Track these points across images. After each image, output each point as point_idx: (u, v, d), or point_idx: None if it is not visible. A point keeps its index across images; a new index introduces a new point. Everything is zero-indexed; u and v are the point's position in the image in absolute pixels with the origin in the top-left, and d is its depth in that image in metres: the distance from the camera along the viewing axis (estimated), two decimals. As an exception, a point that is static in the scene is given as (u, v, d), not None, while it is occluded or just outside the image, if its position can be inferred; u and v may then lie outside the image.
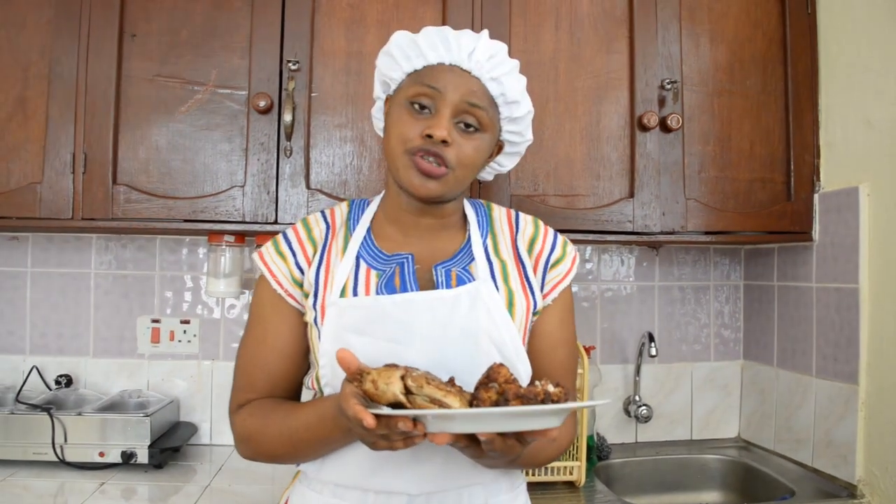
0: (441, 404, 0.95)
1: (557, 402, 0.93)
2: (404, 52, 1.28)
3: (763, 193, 2.11)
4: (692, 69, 2.07)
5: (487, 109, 1.26)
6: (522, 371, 1.23)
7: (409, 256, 1.29)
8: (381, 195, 1.42)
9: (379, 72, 1.36)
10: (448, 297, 1.21)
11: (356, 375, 1.00)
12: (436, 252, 1.32)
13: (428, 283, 1.25)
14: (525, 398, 0.92)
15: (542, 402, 0.92)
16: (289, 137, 1.87)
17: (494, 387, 0.96)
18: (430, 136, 1.20)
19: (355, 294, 1.23)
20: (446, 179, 1.24)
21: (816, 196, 2.13)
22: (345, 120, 1.91)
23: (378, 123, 1.45)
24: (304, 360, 1.35)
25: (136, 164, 1.90)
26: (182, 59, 1.91)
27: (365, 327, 1.20)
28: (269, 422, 1.26)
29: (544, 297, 1.33)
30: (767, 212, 2.10)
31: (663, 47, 2.04)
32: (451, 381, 1.03)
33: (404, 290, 1.23)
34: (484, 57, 1.25)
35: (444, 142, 1.20)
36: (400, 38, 1.30)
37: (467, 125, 1.24)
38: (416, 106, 1.23)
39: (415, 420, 0.96)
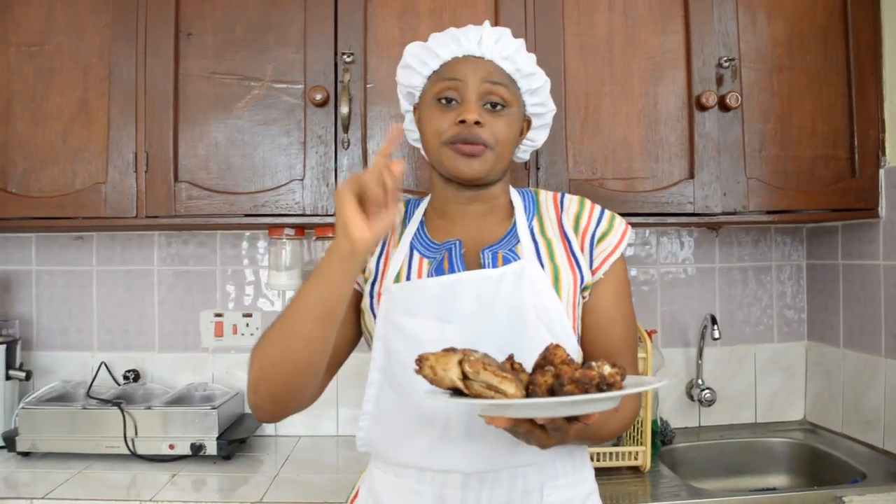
0: (497, 390, 0.96)
1: (612, 384, 0.94)
2: (419, 59, 1.37)
3: (826, 171, 2.06)
4: (750, 46, 2.03)
5: (508, 86, 1.33)
6: (569, 346, 1.23)
7: (458, 242, 1.33)
8: (430, 196, 1.47)
9: (401, 86, 1.45)
10: (493, 276, 1.25)
11: (416, 360, 1.02)
12: (484, 237, 1.35)
13: (476, 266, 1.30)
14: (580, 383, 0.93)
15: (598, 385, 0.93)
16: (346, 129, 1.88)
17: (550, 370, 0.97)
18: (462, 122, 1.27)
19: (408, 279, 1.30)
20: (486, 157, 1.29)
21: (882, 171, 2.08)
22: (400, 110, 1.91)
23: (411, 135, 1.52)
24: (348, 330, 1.35)
25: (197, 161, 1.93)
26: (238, 56, 1.93)
27: (414, 308, 1.25)
28: (266, 333, 1.22)
29: (594, 271, 1.33)
30: (831, 189, 2.05)
31: (720, 25, 2.00)
32: (511, 360, 1.05)
33: (452, 272, 1.28)
34: (492, 41, 1.33)
35: (477, 123, 1.27)
36: (412, 48, 1.40)
37: (493, 105, 1.31)
38: (444, 101, 1.31)
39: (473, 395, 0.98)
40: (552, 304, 1.25)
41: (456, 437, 1.22)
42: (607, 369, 0.95)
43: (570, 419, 0.98)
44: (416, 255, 1.33)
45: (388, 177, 1.07)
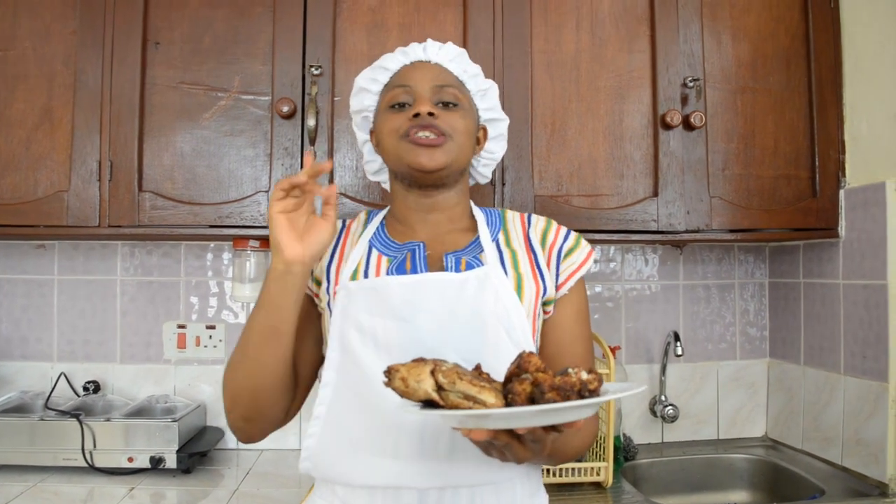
0: (476, 400, 0.92)
1: (593, 389, 0.91)
2: (369, 78, 1.41)
3: (788, 190, 2.09)
4: (714, 66, 2.06)
5: (457, 86, 1.37)
6: None
7: (421, 244, 1.33)
8: (389, 207, 1.47)
9: (355, 113, 1.47)
10: (456, 280, 1.23)
11: (385, 372, 0.99)
12: (446, 244, 1.35)
13: (438, 270, 1.28)
14: (561, 390, 0.90)
15: (579, 391, 0.90)
16: (312, 142, 1.87)
17: (528, 378, 0.93)
18: (416, 115, 1.29)
19: (366, 277, 1.28)
20: (448, 147, 1.30)
21: (842, 192, 2.11)
22: (367, 123, 1.92)
23: (373, 167, 1.53)
24: (311, 346, 1.37)
25: (162, 170, 1.91)
26: (205, 66, 1.92)
27: (374, 307, 1.23)
28: (231, 357, 1.27)
29: (560, 286, 1.33)
30: (793, 209, 2.08)
31: (685, 45, 2.03)
32: (479, 369, 1.01)
33: (414, 272, 1.27)
34: (436, 48, 1.39)
35: (430, 114, 1.29)
36: (362, 73, 1.44)
37: (445, 104, 1.34)
38: (396, 106, 1.34)
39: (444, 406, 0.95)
40: (514, 310, 1.24)
41: (407, 452, 1.18)
42: (585, 375, 0.92)
43: (548, 429, 0.95)
44: (375, 253, 1.33)
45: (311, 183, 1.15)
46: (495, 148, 1.50)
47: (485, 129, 1.46)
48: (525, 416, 0.90)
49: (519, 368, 0.97)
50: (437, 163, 1.29)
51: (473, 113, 1.40)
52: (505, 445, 0.97)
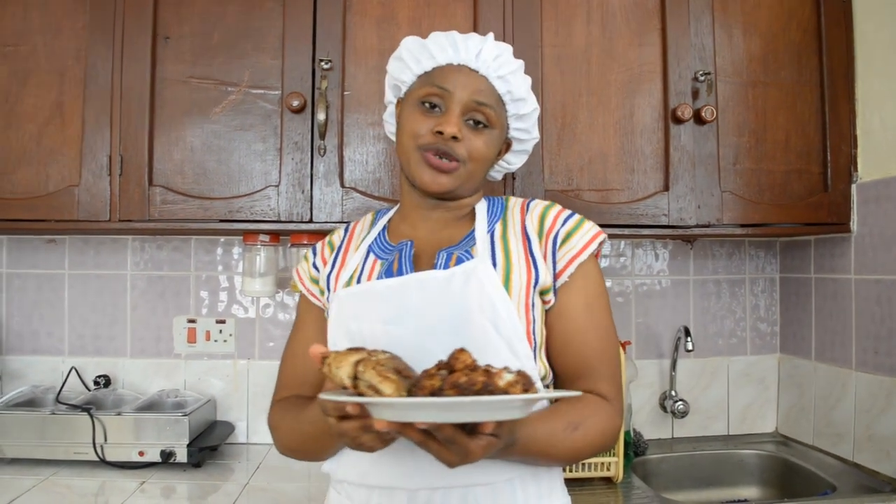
0: (377, 390, 0.91)
1: (499, 391, 0.87)
2: (414, 55, 1.34)
3: (799, 185, 2.08)
4: (726, 60, 2.05)
5: (495, 107, 1.31)
6: (520, 348, 1.19)
7: (409, 243, 1.32)
8: (397, 206, 1.47)
9: (390, 76, 1.42)
10: (441, 277, 1.21)
11: (320, 358, 1.01)
12: (442, 240, 1.33)
13: (428, 268, 1.26)
14: (460, 387, 0.87)
15: (479, 392, 0.86)
16: (322, 136, 1.87)
17: (442, 374, 0.92)
18: (440, 133, 1.25)
19: (359, 283, 1.29)
20: (458, 174, 1.28)
21: (854, 186, 2.10)
22: (378, 118, 1.91)
23: (389, 127, 1.51)
24: None
25: (172, 165, 1.91)
26: (215, 61, 1.92)
27: (360, 313, 1.24)
28: (286, 416, 1.33)
29: (559, 274, 1.27)
30: (804, 203, 2.07)
31: (696, 39, 2.02)
32: (439, 365, 0.97)
33: (401, 273, 1.26)
34: (490, 57, 1.31)
35: (454, 138, 1.25)
36: (409, 42, 1.36)
37: (476, 122, 1.29)
38: (427, 105, 1.29)
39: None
40: (501, 302, 1.18)
41: (399, 453, 1.15)
42: (507, 376, 0.88)
43: (469, 432, 0.93)
44: (371, 258, 1.33)
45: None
46: (514, 161, 1.48)
47: (509, 144, 1.42)
48: (418, 408, 0.88)
49: (446, 365, 0.95)
50: (441, 187, 1.28)
51: (502, 133, 1.36)
52: (420, 442, 0.95)
